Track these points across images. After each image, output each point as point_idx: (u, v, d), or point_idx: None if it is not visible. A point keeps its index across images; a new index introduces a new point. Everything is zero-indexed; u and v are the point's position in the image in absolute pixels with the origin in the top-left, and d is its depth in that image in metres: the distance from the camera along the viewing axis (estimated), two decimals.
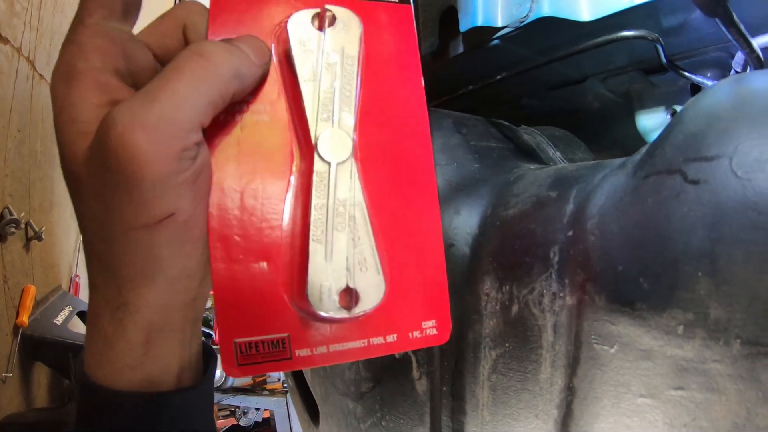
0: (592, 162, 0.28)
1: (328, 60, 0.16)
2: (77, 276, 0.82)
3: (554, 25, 0.35)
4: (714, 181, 0.17)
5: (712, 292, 0.17)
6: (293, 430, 1.16)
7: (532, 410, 0.24)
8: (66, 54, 0.14)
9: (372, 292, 0.15)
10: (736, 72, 0.34)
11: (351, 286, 0.15)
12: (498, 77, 0.37)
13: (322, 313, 0.14)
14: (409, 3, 0.19)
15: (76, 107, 0.14)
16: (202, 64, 0.14)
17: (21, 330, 0.61)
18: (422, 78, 0.18)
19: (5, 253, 0.60)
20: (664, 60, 0.35)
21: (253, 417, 1.31)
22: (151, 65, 0.16)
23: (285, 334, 0.15)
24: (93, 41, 0.14)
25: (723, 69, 0.39)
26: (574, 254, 0.21)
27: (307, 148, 0.16)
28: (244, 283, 0.14)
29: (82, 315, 0.73)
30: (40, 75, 0.68)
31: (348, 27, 0.17)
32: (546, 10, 0.34)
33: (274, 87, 0.17)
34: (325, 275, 0.15)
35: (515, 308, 0.24)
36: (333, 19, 0.17)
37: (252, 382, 1.22)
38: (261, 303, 0.15)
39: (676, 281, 0.17)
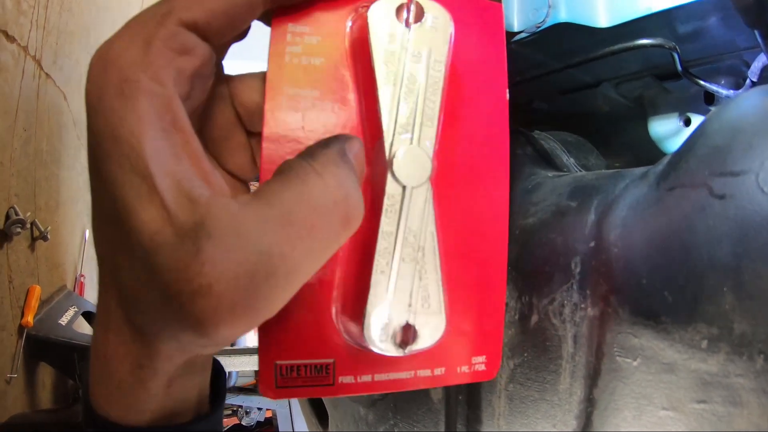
0: (611, 171, 0.28)
1: (413, 62, 0.14)
2: (82, 276, 0.82)
3: (571, 30, 0.35)
4: (740, 197, 0.17)
5: (737, 307, 0.17)
6: (295, 430, 1.16)
7: (550, 420, 0.24)
8: (127, 56, 0.11)
9: (431, 330, 0.14)
10: (752, 82, 0.34)
11: (411, 323, 0.14)
12: (513, 82, 0.37)
13: (376, 350, 0.13)
14: (500, 1, 0.17)
15: (141, 150, 0.10)
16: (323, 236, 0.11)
17: (26, 330, 0.60)
18: (507, 91, 0.17)
19: (10, 253, 0.59)
20: (679, 68, 0.35)
21: (256, 417, 1.31)
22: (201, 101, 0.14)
23: (331, 360, 0.14)
24: (166, 52, 0.11)
25: (736, 77, 0.39)
26: (596, 265, 0.21)
27: (378, 162, 0.14)
28: (292, 302, 0.13)
29: (87, 315, 0.73)
30: (47, 74, 0.67)
31: (437, 25, 0.15)
32: (563, 15, 0.34)
33: (344, 81, 0.15)
34: (386, 311, 0.14)
35: (534, 318, 0.24)
36: (421, 14, 0.15)
37: (254, 381, 1.22)
38: (308, 325, 0.14)
39: (700, 295, 0.17)
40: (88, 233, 0.86)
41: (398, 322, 0.14)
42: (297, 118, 0.14)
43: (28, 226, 0.62)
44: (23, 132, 0.61)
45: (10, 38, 0.55)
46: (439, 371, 0.15)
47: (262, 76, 0.15)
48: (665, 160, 0.23)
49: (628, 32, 0.33)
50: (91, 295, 0.82)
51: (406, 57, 0.14)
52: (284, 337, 0.13)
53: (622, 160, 0.51)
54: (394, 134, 0.14)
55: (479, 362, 0.16)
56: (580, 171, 0.40)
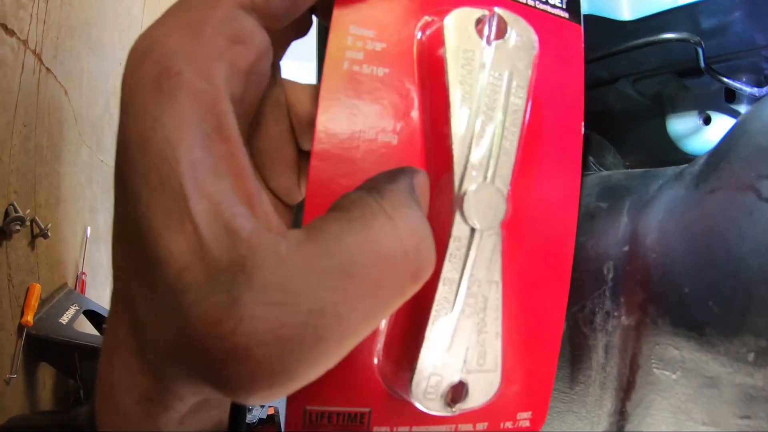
0: (640, 170, 0.27)
1: (492, 85, 0.12)
2: (83, 273, 0.81)
3: (593, 23, 0.33)
4: None
5: None
6: None
7: None
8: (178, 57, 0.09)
9: (484, 388, 0.13)
10: None
11: (463, 380, 0.12)
12: None
13: (422, 408, 0.12)
14: (581, 22, 0.15)
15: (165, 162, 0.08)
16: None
17: (26, 330, 0.59)
18: (583, 122, 0.15)
19: (10, 251, 0.58)
20: (702, 64, 0.33)
21: (258, 414, 1.30)
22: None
23: (367, 410, 0.13)
24: (219, 41, 0.09)
25: (757, 74, 0.38)
26: (631, 272, 0.20)
27: (442, 197, 0.12)
28: None
29: (88, 314, 0.72)
30: (47, 69, 0.66)
31: (521, 44, 0.13)
32: (585, 7, 0.33)
33: (408, 97, 0.13)
34: (438, 367, 0.12)
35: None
36: (503, 29, 0.13)
37: None
38: (347, 371, 0.12)
39: (748, 306, 0.16)
40: (89, 230, 0.85)
41: (450, 380, 0.12)
42: (353, 136, 0.12)
43: (28, 223, 0.61)
44: (23, 128, 0.60)
45: (10, 32, 0.54)
46: (481, 426, 0.14)
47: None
48: (701, 160, 0.22)
49: (650, 26, 0.32)
50: (92, 293, 0.81)
51: (485, 78, 0.12)
52: (318, 382, 0.11)
53: (636, 158, 0.50)
54: (466, 167, 0.12)
55: (524, 418, 0.14)
56: (600, 170, 0.39)
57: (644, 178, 0.24)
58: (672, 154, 0.44)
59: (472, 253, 0.12)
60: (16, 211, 0.58)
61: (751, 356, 0.16)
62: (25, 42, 0.58)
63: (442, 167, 0.13)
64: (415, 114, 0.13)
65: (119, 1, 0.89)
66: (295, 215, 0.15)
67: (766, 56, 0.37)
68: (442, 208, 0.12)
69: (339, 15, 0.12)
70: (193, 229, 0.08)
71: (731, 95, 0.39)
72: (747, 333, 0.16)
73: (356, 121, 0.12)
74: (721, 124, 0.41)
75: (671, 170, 0.24)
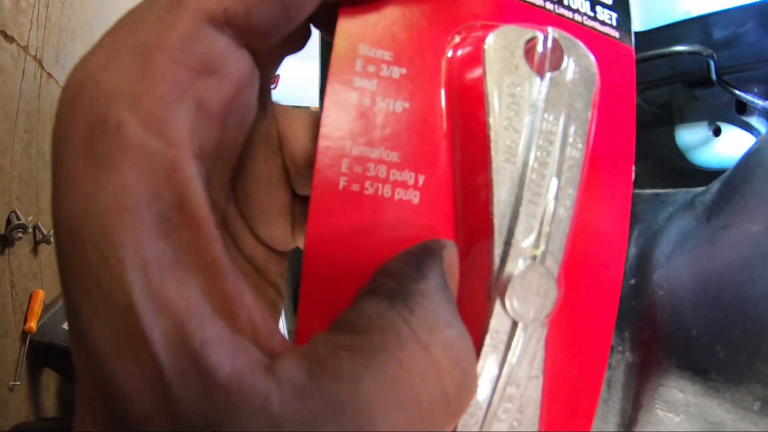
0: (649, 193, 0.26)
1: (547, 133, 0.10)
2: None
3: None
4: None
5: None
6: None
7: None
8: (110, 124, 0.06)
9: None
10: None
11: None
12: None
13: None
14: (632, 43, 0.13)
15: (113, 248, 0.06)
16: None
17: (29, 336, 0.60)
18: (633, 169, 0.12)
19: (12, 258, 0.58)
20: (714, 76, 0.32)
21: None
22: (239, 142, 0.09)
23: None
24: (180, 72, 0.07)
25: None
26: (637, 307, 0.20)
27: (478, 273, 0.10)
28: None
29: None
30: (48, 74, 0.66)
31: (580, 77, 0.10)
32: None
33: (434, 141, 0.10)
34: None
35: None
36: (560, 56, 0.10)
37: None
38: None
39: (757, 353, 0.16)
40: None
41: None
42: (363, 192, 0.10)
43: (30, 230, 0.61)
44: (24, 134, 0.60)
45: (9, 38, 0.54)
46: None
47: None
48: (714, 189, 0.21)
49: (661, 37, 0.31)
50: None
51: (537, 123, 0.10)
52: None
53: (645, 166, 0.49)
54: (509, 243, 0.09)
55: None
56: None
57: (654, 204, 0.23)
58: (681, 162, 0.44)
59: (512, 350, 0.10)
60: (18, 218, 0.58)
61: (757, 405, 0.16)
62: (25, 48, 0.58)
63: (476, 234, 0.10)
64: (442, 163, 0.10)
65: (121, 1, 0.89)
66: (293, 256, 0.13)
67: None
68: (476, 287, 0.10)
69: (345, 29, 0.10)
70: (152, 360, 0.06)
71: (742, 107, 0.38)
72: (754, 381, 0.16)
73: (366, 175, 0.10)
74: (732, 136, 0.40)
75: (682, 196, 0.24)
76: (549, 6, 0.12)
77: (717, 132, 0.40)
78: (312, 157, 0.10)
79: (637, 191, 0.28)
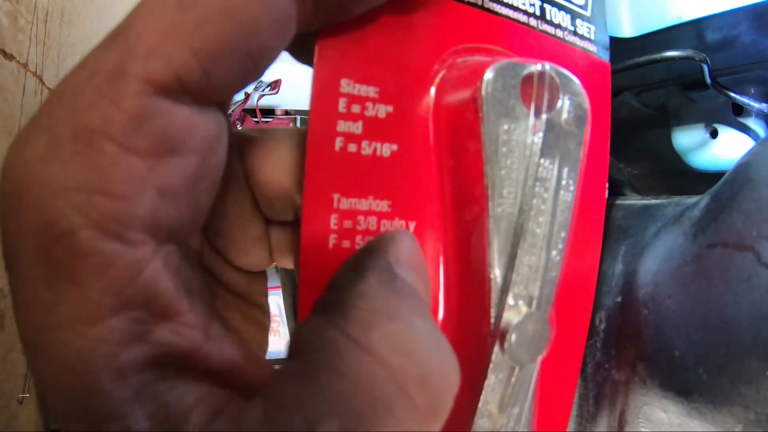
0: (640, 204, 0.26)
1: (543, 179, 0.10)
2: None
3: None
4: None
5: None
6: None
7: None
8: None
9: None
10: None
11: None
12: None
13: None
14: (608, 57, 0.12)
15: (79, 375, 0.06)
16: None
17: None
18: (606, 188, 0.12)
19: None
20: (708, 80, 0.32)
21: None
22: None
23: None
24: (134, 161, 0.06)
25: (766, 87, 0.36)
26: (623, 325, 0.20)
27: (466, 322, 0.10)
28: None
29: None
30: (50, 89, 0.67)
31: (575, 118, 0.10)
32: None
33: (426, 185, 0.10)
34: None
35: None
36: (555, 96, 0.10)
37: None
38: None
39: (740, 377, 0.16)
40: None
41: None
42: (353, 248, 0.09)
43: None
44: None
45: (8, 56, 0.55)
46: None
47: (289, 143, 0.10)
48: (702, 203, 0.21)
49: (654, 42, 0.31)
50: None
51: (533, 168, 0.09)
52: None
53: (644, 166, 0.49)
54: (507, 293, 0.09)
55: None
56: None
57: (643, 218, 0.23)
58: (679, 163, 0.43)
59: (510, 390, 0.10)
60: None
61: (739, 427, 0.16)
62: (25, 65, 0.59)
63: (472, 280, 0.10)
64: (432, 207, 0.10)
65: (120, 14, 0.89)
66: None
67: None
68: (474, 333, 0.10)
69: (324, 63, 0.09)
70: None
71: (739, 108, 0.38)
72: (736, 404, 0.16)
73: (355, 226, 0.09)
74: (729, 138, 0.39)
75: (672, 208, 0.23)
76: (533, 23, 0.12)
77: (714, 134, 0.40)
78: (284, 188, 0.10)
79: (628, 202, 0.28)
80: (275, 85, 0.92)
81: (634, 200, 0.27)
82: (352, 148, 0.09)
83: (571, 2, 0.13)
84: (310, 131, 0.09)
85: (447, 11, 0.10)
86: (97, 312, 0.06)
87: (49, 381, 0.06)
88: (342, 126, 0.09)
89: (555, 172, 0.10)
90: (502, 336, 0.09)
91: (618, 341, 0.20)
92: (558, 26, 0.12)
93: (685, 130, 0.40)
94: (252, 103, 0.94)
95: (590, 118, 0.10)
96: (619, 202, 0.27)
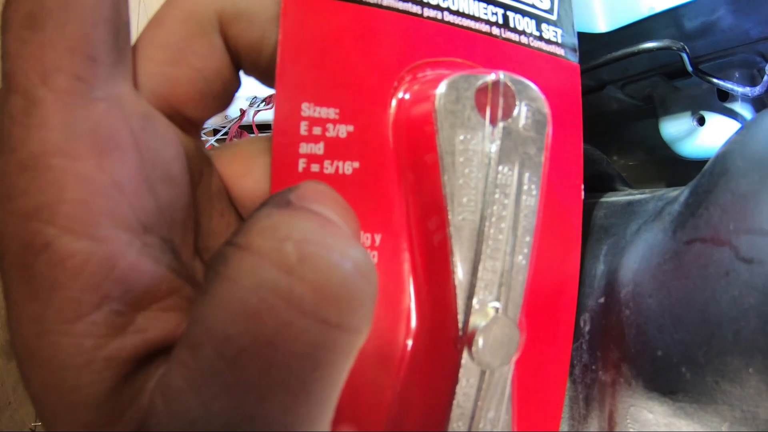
0: (624, 201, 0.26)
1: (502, 186, 0.10)
2: None
3: None
4: None
5: (764, 391, 0.15)
6: None
7: None
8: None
9: None
10: None
11: None
12: None
13: None
14: (578, 59, 0.12)
15: (65, 371, 0.07)
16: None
17: None
18: (582, 189, 0.12)
19: None
20: (690, 68, 0.32)
21: None
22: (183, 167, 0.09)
23: None
24: (79, 166, 0.07)
25: (751, 69, 0.36)
26: (607, 326, 0.20)
27: (438, 328, 0.10)
28: None
29: None
30: None
31: (533, 123, 0.10)
32: None
33: (389, 199, 0.10)
34: None
35: None
36: (512, 103, 0.10)
37: None
38: None
39: (722, 375, 0.15)
40: None
41: None
42: None
43: None
44: None
45: None
46: None
47: (262, 153, 0.10)
48: (682, 198, 0.21)
49: (631, 34, 0.31)
50: None
51: (492, 176, 0.10)
52: None
53: (637, 158, 0.48)
54: (472, 297, 0.10)
55: None
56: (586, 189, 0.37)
57: (625, 216, 0.23)
58: (671, 152, 0.43)
59: (483, 396, 0.10)
60: None
61: (725, 426, 0.16)
62: None
63: (439, 288, 0.10)
64: (398, 219, 0.10)
65: None
66: None
67: (761, 50, 0.35)
68: (444, 340, 0.10)
69: (285, 88, 0.09)
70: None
71: (725, 93, 0.37)
72: (721, 403, 0.16)
73: None
74: (717, 124, 0.39)
75: (653, 204, 0.23)
76: (495, 31, 0.12)
77: (701, 121, 0.39)
78: (259, 198, 0.10)
79: (611, 199, 0.27)
80: (270, 100, 0.92)
81: (618, 197, 0.27)
82: (315, 168, 0.10)
83: (536, 8, 0.13)
84: (274, 155, 0.09)
85: (406, 28, 0.10)
86: (79, 309, 0.07)
87: (40, 386, 0.07)
88: (304, 148, 0.09)
89: (515, 177, 0.10)
90: (470, 341, 0.10)
91: (602, 343, 0.20)
92: (522, 33, 0.12)
93: (671, 119, 0.40)
94: (248, 119, 0.94)
95: (551, 122, 0.11)
96: (603, 199, 0.27)
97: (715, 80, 0.33)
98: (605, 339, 0.20)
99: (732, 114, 0.37)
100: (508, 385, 0.11)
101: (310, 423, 0.06)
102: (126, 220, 0.07)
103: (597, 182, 0.39)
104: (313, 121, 0.10)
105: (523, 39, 0.12)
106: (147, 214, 0.08)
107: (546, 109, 0.10)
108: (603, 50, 0.32)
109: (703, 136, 0.38)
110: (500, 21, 0.12)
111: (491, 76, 0.10)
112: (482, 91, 0.10)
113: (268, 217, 0.07)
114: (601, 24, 0.31)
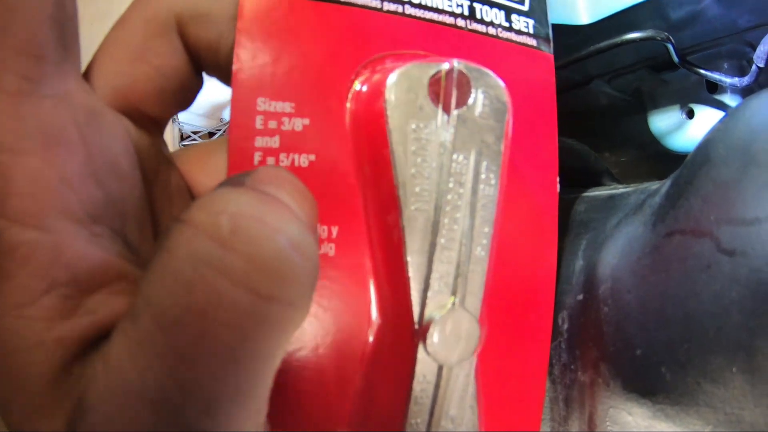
0: (605, 195, 0.25)
1: (457, 174, 0.09)
2: None
3: (552, 30, 0.31)
4: (754, 254, 0.14)
5: (748, 392, 0.14)
6: None
7: None
8: None
9: None
10: (758, 68, 0.30)
11: None
12: None
13: None
14: (551, 49, 0.12)
15: (17, 353, 0.07)
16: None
17: None
18: (558, 180, 0.12)
19: None
20: (676, 59, 0.31)
21: None
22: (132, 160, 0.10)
23: None
24: (27, 161, 0.07)
25: (740, 59, 0.35)
26: (585, 324, 0.19)
27: (397, 322, 0.10)
28: None
29: None
30: None
31: (490, 111, 0.10)
32: None
33: (347, 190, 0.10)
34: None
35: None
36: (467, 90, 0.10)
37: None
38: None
39: (704, 375, 0.15)
40: None
41: None
42: None
43: None
44: None
45: None
46: None
47: (222, 153, 0.11)
48: (663, 189, 0.20)
49: (616, 25, 0.30)
50: None
51: (446, 165, 0.09)
52: None
53: (627, 154, 0.48)
54: (427, 290, 0.09)
55: None
56: (573, 185, 0.37)
57: (605, 210, 0.22)
58: (659, 149, 0.42)
59: (442, 393, 0.10)
60: None
61: (708, 428, 0.15)
62: None
63: (395, 280, 0.10)
64: (355, 211, 0.10)
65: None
66: None
67: (749, 40, 0.34)
68: (401, 333, 0.10)
69: (241, 84, 0.09)
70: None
71: (714, 85, 0.37)
72: (703, 405, 0.15)
73: None
74: (706, 117, 0.38)
75: (634, 197, 0.22)
76: (460, 23, 0.12)
77: (690, 114, 0.39)
78: None
79: (593, 194, 0.27)
80: None
81: (600, 191, 0.26)
82: (270, 161, 0.10)
83: None
84: (230, 149, 0.09)
85: (364, 22, 0.10)
86: (30, 295, 0.07)
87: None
88: (260, 142, 0.10)
89: (471, 166, 0.10)
90: (424, 335, 0.09)
91: (581, 342, 0.19)
92: (490, 24, 0.12)
93: (660, 113, 0.39)
94: None
95: (511, 110, 0.10)
96: (584, 194, 0.26)
97: (702, 71, 0.32)
98: (584, 338, 0.19)
99: (721, 106, 0.37)
100: (472, 381, 0.10)
101: (241, 396, 0.06)
102: (72, 212, 0.08)
103: (583, 178, 0.38)
104: (269, 115, 0.10)
105: (491, 30, 0.12)
106: (94, 206, 0.08)
107: (505, 97, 0.10)
108: (586, 42, 0.31)
109: (693, 129, 0.38)
110: (466, 12, 0.12)
111: (445, 65, 0.10)
112: (435, 79, 0.10)
113: (210, 194, 0.07)
114: (584, 15, 0.30)
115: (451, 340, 0.09)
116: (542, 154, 0.12)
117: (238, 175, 0.08)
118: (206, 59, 0.10)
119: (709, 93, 0.37)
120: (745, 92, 0.36)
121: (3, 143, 0.07)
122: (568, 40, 0.31)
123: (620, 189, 0.25)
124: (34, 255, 0.07)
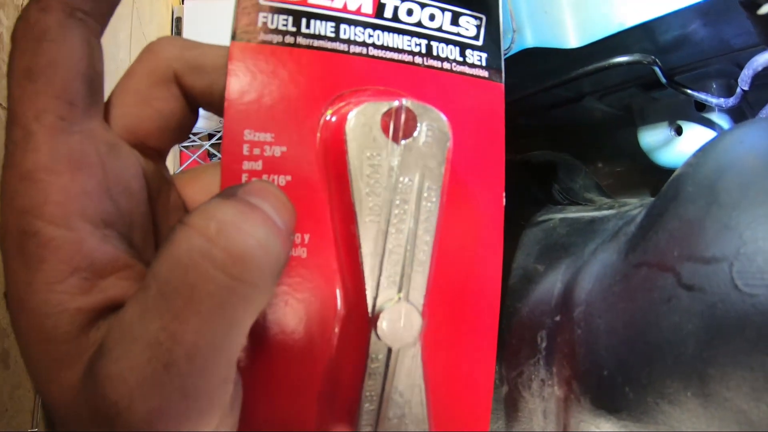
0: (586, 219, 0.26)
1: (401, 192, 0.12)
2: None
3: (541, 53, 0.32)
4: (710, 291, 0.15)
5: (701, 415, 0.15)
6: None
7: None
8: (15, 206, 0.10)
9: None
10: (743, 91, 0.31)
11: None
12: None
13: None
14: (502, 79, 0.14)
15: (48, 317, 0.10)
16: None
17: None
18: (504, 196, 0.14)
19: None
20: (664, 80, 0.32)
21: None
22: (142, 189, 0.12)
23: None
24: (59, 179, 0.10)
25: (728, 78, 0.36)
26: (561, 344, 0.20)
27: (357, 312, 0.12)
28: None
29: None
30: None
31: (432, 140, 0.12)
32: (529, 41, 0.32)
33: (316, 205, 0.12)
34: None
35: (505, 389, 0.23)
36: (413, 125, 0.12)
37: None
38: None
39: (662, 396, 0.16)
40: None
41: None
42: None
43: None
44: None
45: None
46: None
47: (217, 177, 0.12)
48: (638, 219, 0.21)
49: (604, 48, 0.31)
50: None
51: (393, 185, 0.12)
52: None
53: (620, 165, 0.49)
54: (378, 286, 0.12)
55: None
56: (565, 199, 0.38)
57: (585, 234, 0.24)
58: (648, 164, 0.43)
59: (391, 371, 0.12)
60: None
61: None
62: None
63: (355, 279, 0.12)
64: (324, 221, 0.12)
65: (105, 46, 0.90)
66: None
67: (739, 61, 0.35)
68: (360, 322, 0.12)
69: (231, 119, 0.11)
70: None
71: (702, 104, 0.38)
72: (661, 423, 0.16)
73: None
74: (694, 134, 0.39)
75: (614, 223, 0.24)
76: (418, 60, 0.13)
77: (679, 131, 0.40)
78: None
79: (575, 215, 0.28)
80: None
81: (583, 212, 0.28)
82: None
83: (461, 36, 0.14)
84: (222, 171, 0.12)
85: (334, 63, 0.12)
86: (58, 276, 0.10)
87: (28, 327, 0.10)
88: (246, 165, 0.12)
89: (415, 186, 0.12)
90: (375, 321, 0.12)
91: (557, 360, 0.20)
92: (445, 59, 0.14)
93: (649, 129, 0.41)
94: None
95: (452, 139, 0.12)
96: (568, 215, 0.28)
97: (689, 91, 0.34)
98: (559, 356, 0.20)
99: (709, 124, 0.38)
100: (417, 364, 0.12)
101: (214, 349, 0.09)
102: (91, 217, 0.10)
103: (572, 193, 0.40)
104: (253, 144, 0.12)
105: (446, 65, 0.14)
106: (108, 215, 0.11)
107: (447, 128, 0.12)
108: (576, 64, 0.32)
109: (681, 145, 0.39)
110: (423, 51, 0.13)
111: (395, 103, 0.12)
112: (387, 114, 0.12)
113: (206, 204, 0.10)
114: (572, 39, 0.31)
115: (396, 327, 0.12)
116: (489, 173, 0.14)
117: (234, 187, 0.10)
118: (201, 100, 0.13)
119: (698, 111, 0.38)
120: (734, 111, 0.37)
121: (42, 165, 0.10)
122: (557, 61, 0.32)
123: (603, 212, 0.27)
124: (62, 247, 0.10)
